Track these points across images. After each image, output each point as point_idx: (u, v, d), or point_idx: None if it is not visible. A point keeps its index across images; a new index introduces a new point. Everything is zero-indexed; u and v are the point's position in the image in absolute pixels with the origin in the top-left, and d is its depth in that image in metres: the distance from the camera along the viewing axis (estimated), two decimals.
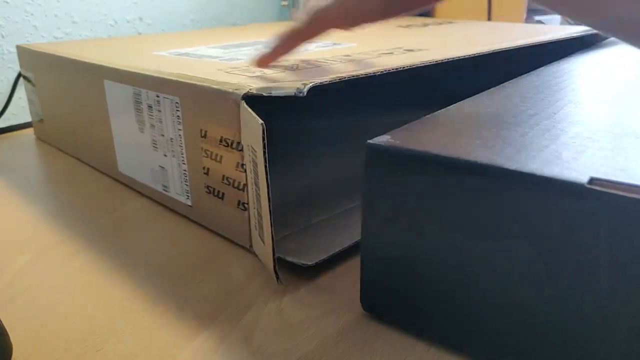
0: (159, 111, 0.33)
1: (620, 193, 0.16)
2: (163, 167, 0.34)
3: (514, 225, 0.18)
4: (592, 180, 0.17)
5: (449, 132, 0.22)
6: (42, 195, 0.40)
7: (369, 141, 0.21)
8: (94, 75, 0.39)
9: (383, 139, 0.22)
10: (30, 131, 0.58)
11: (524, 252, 0.18)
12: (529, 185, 0.18)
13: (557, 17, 1.04)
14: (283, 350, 0.22)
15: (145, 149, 0.36)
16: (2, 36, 0.60)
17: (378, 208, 0.22)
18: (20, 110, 0.62)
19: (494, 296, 0.20)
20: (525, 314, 0.19)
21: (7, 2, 0.59)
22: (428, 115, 0.25)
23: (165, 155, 0.34)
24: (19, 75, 0.62)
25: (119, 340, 0.23)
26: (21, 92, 0.63)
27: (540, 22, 0.95)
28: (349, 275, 0.28)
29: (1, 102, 0.60)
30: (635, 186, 0.16)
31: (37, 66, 0.50)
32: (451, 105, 0.27)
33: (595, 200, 0.16)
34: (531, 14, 0.96)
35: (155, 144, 0.34)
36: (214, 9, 0.94)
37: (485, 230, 0.19)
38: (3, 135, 0.57)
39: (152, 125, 0.34)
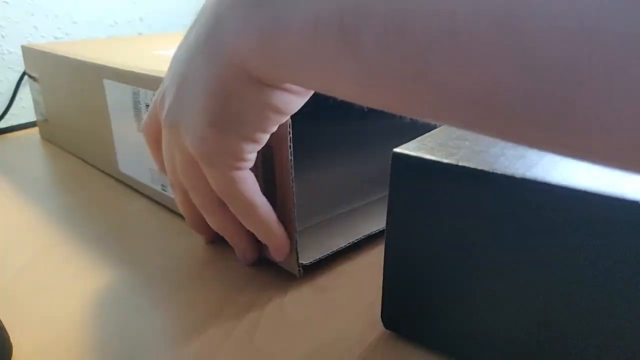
0: None
1: None
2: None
3: (555, 245, 0.17)
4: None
5: (477, 140, 0.21)
6: (42, 195, 0.40)
7: (394, 150, 0.20)
8: (94, 75, 0.39)
9: (410, 147, 0.20)
10: (30, 131, 0.58)
11: (561, 272, 0.17)
12: (573, 201, 0.17)
13: None
14: (284, 349, 0.22)
15: (144, 149, 0.36)
16: (2, 36, 0.60)
17: (403, 219, 0.21)
18: (20, 111, 0.62)
19: (524, 316, 0.19)
20: (557, 333, 0.18)
21: (7, 2, 0.59)
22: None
23: None
24: (22, 76, 0.62)
25: (121, 340, 0.23)
26: (22, 93, 0.63)
27: None
28: (349, 275, 0.28)
29: (2, 102, 0.60)
30: None
31: (41, 66, 0.50)
32: None
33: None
34: None
35: None
36: None
37: (519, 250, 0.18)
38: (3, 135, 0.57)
39: None
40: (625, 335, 0.17)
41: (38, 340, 0.23)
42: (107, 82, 0.38)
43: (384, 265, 0.22)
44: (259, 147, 0.23)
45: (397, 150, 0.20)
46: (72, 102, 0.45)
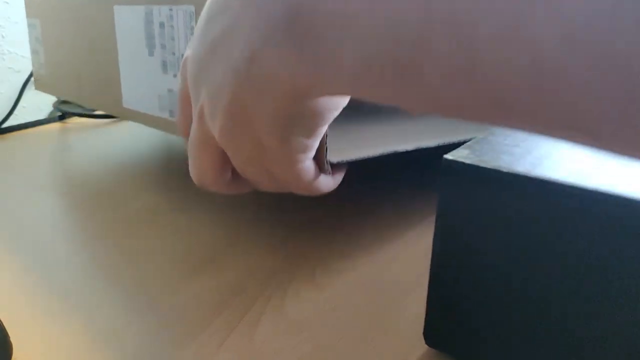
0: (171, 27, 0.33)
1: None
2: (171, 90, 0.34)
3: (613, 257, 0.16)
4: None
5: (529, 147, 0.20)
6: (42, 195, 0.40)
7: (445, 156, 0.19)
8: (103, 3, 0.39)
9: (461, 154, 0.19)
10: (30, 131, 0.58)
11: (622, 284, 0.16)
12: (627, 209, 0.16)
13: None
14: (285, 347, 0.22)
15: (153, 74, 0.35)
16: (2, 36, 0.60)
17: (451, 229, 0.20)
18: (20, 111, 0.62)
19: (564, 329, 0.18)
20: (601, 350, 0.17)
21: (7, 2, 0.59)
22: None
23: (174, 76, 0.34)
24: (27, 79, 0.62)
25: (122, 339, 0.23)
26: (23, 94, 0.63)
27: None
28: (349, 273, 0.28)
29: (1, 102, 0.60)
30: None
31: (43, 10, 0.49)
32: None
33: None
34: None
35: (165, 66, 0.34)
36: None
37: (575, 262, 0.17)
38: (3, 135, 0.57)
39: (163, 46, 0.34)
40: None
41: (38, 340, 0.23)
42: (117, 9, 0.37)
43: (430, 277, 0.21)
44: (320, 137, 0.23)
45: (447, 156, 0.19)
46: (75, 42, 0.45)
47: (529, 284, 0.18)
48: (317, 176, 0.24)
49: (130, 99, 0.39)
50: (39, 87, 0.55)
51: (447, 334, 0.21)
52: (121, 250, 0.31)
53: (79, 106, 0.66)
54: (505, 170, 0.18)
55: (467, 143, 0.21)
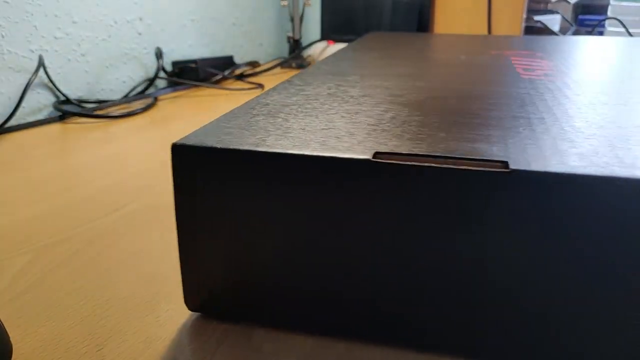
0: None
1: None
2: None
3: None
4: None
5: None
6: (42, 195, 0.40)
7: (173, 142, 0.22)
8: None
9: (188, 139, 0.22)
10: (30, 131, 0.58)
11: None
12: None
13: (557, 17, 1.05)
14: (284, 349, 0.22)
15: None
16: (2, 36, 0.60)
17: (191, 203, 0.22)
18: (20, 111, 0.62)
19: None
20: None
21: (7, 2, 0.59)
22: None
23: None
24: (28, 81, 0.62)
25: (120, 340, 0.23)
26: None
27: (540, 22, 0.95)
28: None
29: (1, 102, 0.60)
30: None
31: None
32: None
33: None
34: (531, 14, 0.96)
35: None
36: (214, 9, 0.94)
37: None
38: (3, 135, 0.57)
39: None
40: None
41: (38, 340, 0.23)
42: None
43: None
44: None
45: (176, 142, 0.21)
46: None
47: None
48: None
49: None
50: None
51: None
52: (121, 250, 0.31)
53: (79, 106, 0.66)
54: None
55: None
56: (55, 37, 0.66)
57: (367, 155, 0.19)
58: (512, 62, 0.41)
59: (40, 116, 0.65)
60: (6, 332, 0.22)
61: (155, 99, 0.72)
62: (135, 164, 0.46)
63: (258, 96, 0.29)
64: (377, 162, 0.19)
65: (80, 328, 0.24)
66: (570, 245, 0.17)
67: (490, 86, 0.31)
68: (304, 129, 0.23)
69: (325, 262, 0.21)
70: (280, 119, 0.24)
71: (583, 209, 0.17)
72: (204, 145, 0.21)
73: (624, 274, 0.17)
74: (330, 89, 0.30)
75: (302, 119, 0.24)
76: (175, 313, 0.25)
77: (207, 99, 0.75)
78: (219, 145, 0.21)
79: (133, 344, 0.23)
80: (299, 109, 0.26)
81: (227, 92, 0.80)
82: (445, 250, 0.19)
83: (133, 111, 0.65)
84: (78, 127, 0.60)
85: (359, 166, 0.19)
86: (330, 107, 0.26)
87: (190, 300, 0.24)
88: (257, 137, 0.21)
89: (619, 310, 0.18)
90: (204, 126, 0.23)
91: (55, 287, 0.27)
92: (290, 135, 0.22)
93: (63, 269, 0.29)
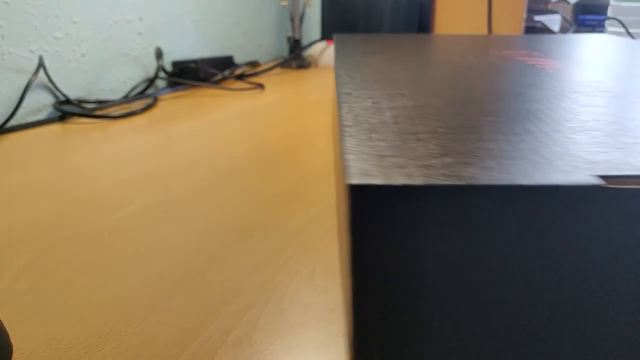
0: None
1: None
2: None
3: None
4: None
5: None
6: (42, 195, 0.40)
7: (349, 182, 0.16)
8: None
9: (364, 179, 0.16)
10: (30, 131, 0.58)
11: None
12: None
13: (557, 17, 1.05)
14: (284, 350, 0.22)
15: None
16: (2, 37, 0.60)
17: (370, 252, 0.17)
18: (20, 111, 0.62)
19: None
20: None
21: (7, 3, 0.59)
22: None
23: None
24: (28, 82, 0.62)
25: (121, 340, 0.23)
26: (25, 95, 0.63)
27: (540, 22, 0.95)
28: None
29: (1, 102, 0.60)
30: None
31: None
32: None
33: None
34: (531, 14, 0.96)
35: None
36: (214, 9, 0.94)
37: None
38: (3, 135, 0.57)
39: None
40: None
41: (38, 340, 0.23)
42: None
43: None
44: None
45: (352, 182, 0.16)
46: None
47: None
48: None
49: None
50: None
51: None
52: (121, 250, 0.31)
53: (79, 106, 0.66)
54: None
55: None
56: (56, 38, 0.66)
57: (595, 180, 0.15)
58: None
59: (40, 116, 0.65)
60: (6, 332, 0.22)
61: (155, 99, 0.72)
62: (135, 164, 0.46)
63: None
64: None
65: (80, 328, 0.24)
66: None
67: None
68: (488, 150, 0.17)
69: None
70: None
71: None
72: (394, 184, 0.15)
73: None
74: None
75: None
76: (175, 313, 0.25)
77: (207, 99, 0.75)
78: (427, 183, 0.15)
79: (133, 344, 0.23)
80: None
81: (227, 92, 0.80)
82: None
83: (133, 111, 0.65)
84: (78, 127, 0.60)
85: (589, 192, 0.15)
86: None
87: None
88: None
89: None
90: (357, 149, 0.17)
91: (55, 287, 0.27)
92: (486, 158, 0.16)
93: (63, 269, 0.29)
